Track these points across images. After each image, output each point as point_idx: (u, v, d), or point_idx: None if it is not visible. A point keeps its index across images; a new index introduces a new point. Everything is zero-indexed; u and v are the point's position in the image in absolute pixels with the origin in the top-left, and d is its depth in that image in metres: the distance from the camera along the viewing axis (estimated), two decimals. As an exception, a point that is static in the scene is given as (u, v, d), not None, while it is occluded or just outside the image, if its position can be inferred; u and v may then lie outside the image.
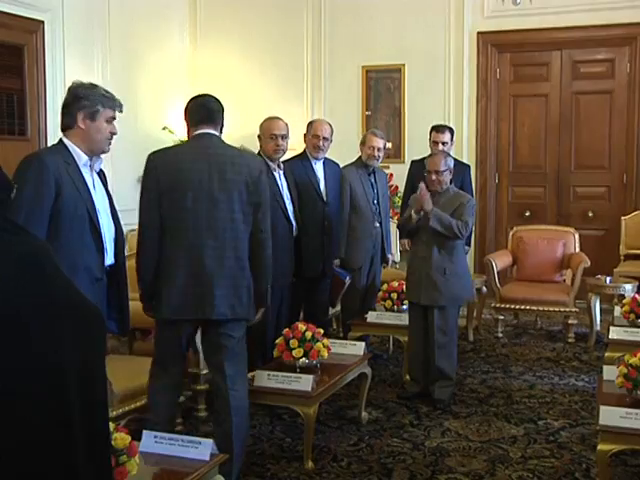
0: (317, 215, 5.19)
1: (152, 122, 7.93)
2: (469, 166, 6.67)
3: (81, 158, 3.19)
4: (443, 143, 6.04)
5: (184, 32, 8.71)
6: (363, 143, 5.78)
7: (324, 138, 5.32)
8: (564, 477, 3.74)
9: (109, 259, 3.26)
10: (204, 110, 3.49)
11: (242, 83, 8.57)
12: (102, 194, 3.29)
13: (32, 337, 1.75)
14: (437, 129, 6.16)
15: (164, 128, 7.98)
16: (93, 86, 3.24)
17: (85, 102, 3.16)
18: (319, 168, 5.35)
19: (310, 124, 5.45)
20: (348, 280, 5.47)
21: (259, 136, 4.83)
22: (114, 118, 3.25)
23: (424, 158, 5.41)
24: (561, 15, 7.53)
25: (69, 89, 3.25)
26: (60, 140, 3.23)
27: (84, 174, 3.18)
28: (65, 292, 1.86)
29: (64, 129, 3.23)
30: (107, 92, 3.24)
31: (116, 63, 7.47)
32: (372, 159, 5.71)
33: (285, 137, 4.78)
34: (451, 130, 6.21)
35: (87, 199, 3.14)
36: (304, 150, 5.42)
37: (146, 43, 7.94)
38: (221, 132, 3.55)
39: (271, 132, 4.73)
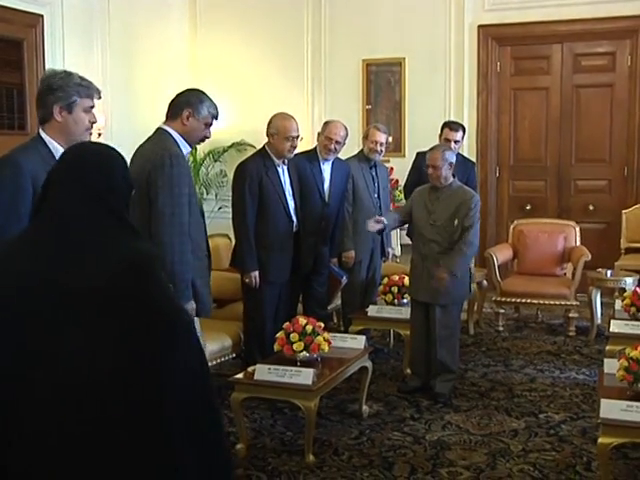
0: (315, 214, 5.20)
1: (152, 116, 7.87)
2: (474, 163, 6.66)
3: (59, 152, 2.95)
4: (455, 141, 6.00)
5: (184, 25, 8.69)
6: (366, 137, 5.77)
7: (337, 142, 5.33)
8: (565, 470, 3.74)
9: None
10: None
11: (242, 76, 8.55)
12: None
13: (124, 336, 1.80)
14: (450, 126, 6.09)
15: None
16: (67, 74, 3.05)
17: (60, 93, 2.97)
18: (327, 168, 5.37)
19: (326, 124, 5.44)
20: (344, 280, 5.51)
21: (272, 134, 4.76)
22: (92, 107, 3.06)
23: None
24: (562, 8, 7.50)
25: (42, 79, 3.07)
26: (38, 134, 3.06)
27: None
28: (162, 301, 1.90)
29: (41, 122, 3.05)
30: (83, 79, 3.05)
31: (115, 56, 7.45)
32: (374, 153, 5.72)
33: (299, 137, 4.81)
34: (464, 128, 6.17)
35: None
36: (315, 148, 5.43)
37: (146, 36, 7.92)
38: (172, 115, 3.65)
39: (288, 134, 4.71)
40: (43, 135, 3.02)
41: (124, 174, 2.01)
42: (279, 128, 4.72)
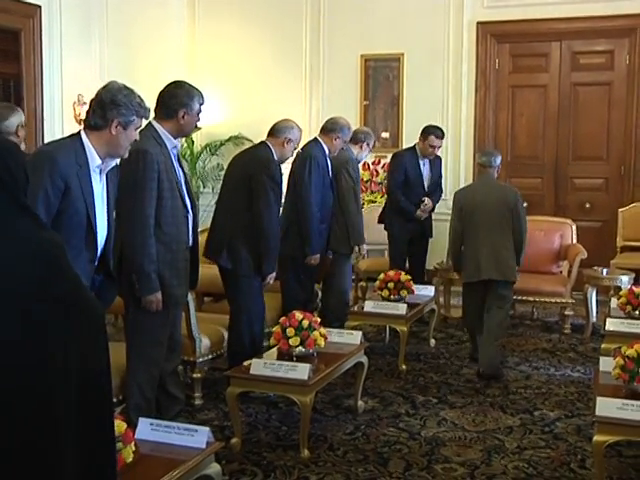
0: (330, 202, 5.45)
1: (150, 107, 7.87)
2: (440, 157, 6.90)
3: (94, 160, 3.10)
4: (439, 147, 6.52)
5: (182, 17, 8.67)
6: (368, 143, 5.99)
7: None
8: (559, 468, 3.74)
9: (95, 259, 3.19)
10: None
11: (240, 70, 8.54)
12: (103, 196, 3.20)
13: (43, 332, 1.76)
14: (437, 135, 6.44)
15: (161, 116, 7.94)
16: (131, 92, 3.19)
17: (123, 110, 3.11)
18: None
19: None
20: (330, 256, 5.69)
21: (289, 139, 4.71)
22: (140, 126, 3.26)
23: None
24: (561, 6, 7.51)
25: (108, 89, 3.17)
26: (79, 135, 3.13)
27: (92, 177, 3.10)
28: (75, 289, 1.87)
29: (89, 127, 3.13)
30: (141, 100, 3.21)
31: (114, 47, 7.43)
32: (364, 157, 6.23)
33: None
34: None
35: (90, 204, 3.06)
36: (319, 142, 5.43)
37: (144, 28, 7.90)
38: (166, 116, 3.74)
39: (298, 143, 4.86)
40: (84, 139, 3.11)
41: (23, 164, 1.94)
42: (296, 137, 4.77)
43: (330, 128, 5.45)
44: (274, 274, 4.61)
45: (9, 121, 4.16)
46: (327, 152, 5.41)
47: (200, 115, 3.83)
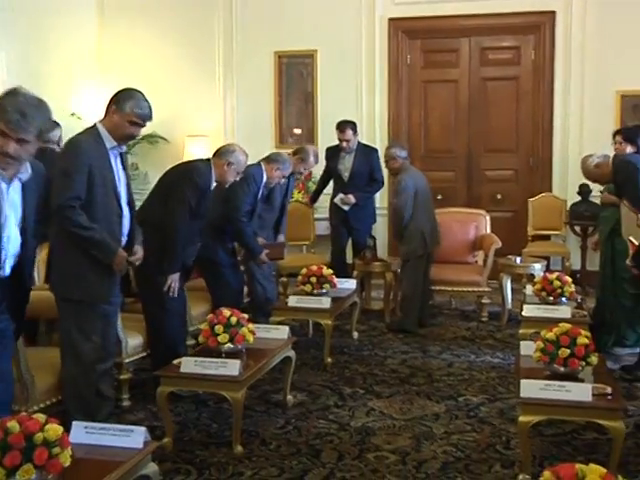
0: None
1: (59, 108, 7.61)
2: (376, 149, 7.05)
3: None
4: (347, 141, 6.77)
5: (91, 15, 8.48)
6: (303, 158, 6.17)
7: None
8: (486, 450, 3.86)
9: (4, 272, 2.96)
10: None
11: (152, 68, 8.41)
12: (17, 206, 2.97)
13: None
14: (338, 128, 6.83)
15: (72, 114, 7.75)
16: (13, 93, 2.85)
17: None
18: None
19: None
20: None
21: (229, 162, 4.68)
22: (3, 133, 2.77)
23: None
24: (469, 3, 7.72)
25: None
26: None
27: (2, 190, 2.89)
28: None
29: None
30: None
31: (20, 46, 7.21)
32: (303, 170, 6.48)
33: None
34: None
35: None
36: (261, 168, 5.68)
37: (52, 26, 7.69)
38: (104, 114, 3.78)
39: (242, 168, 4.82)
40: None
41: None
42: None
43: (273, 159, 5.69)
44: (176, 276, 4.50)
45: (54, 133, 5.27)
46: (265, 179, 5.60)
47: (134, 125, 3.72)
